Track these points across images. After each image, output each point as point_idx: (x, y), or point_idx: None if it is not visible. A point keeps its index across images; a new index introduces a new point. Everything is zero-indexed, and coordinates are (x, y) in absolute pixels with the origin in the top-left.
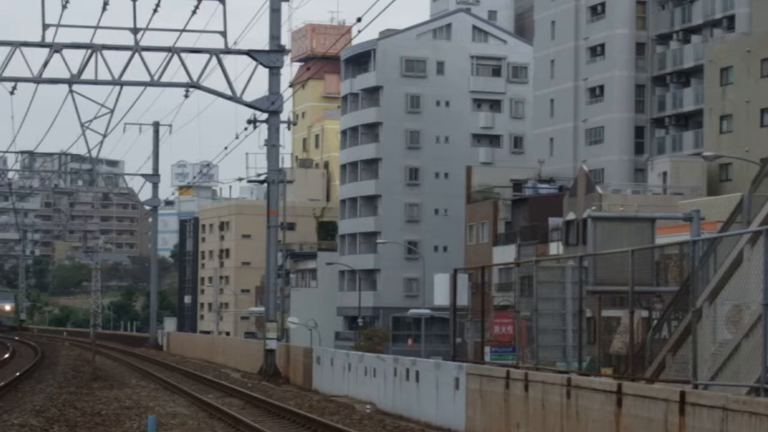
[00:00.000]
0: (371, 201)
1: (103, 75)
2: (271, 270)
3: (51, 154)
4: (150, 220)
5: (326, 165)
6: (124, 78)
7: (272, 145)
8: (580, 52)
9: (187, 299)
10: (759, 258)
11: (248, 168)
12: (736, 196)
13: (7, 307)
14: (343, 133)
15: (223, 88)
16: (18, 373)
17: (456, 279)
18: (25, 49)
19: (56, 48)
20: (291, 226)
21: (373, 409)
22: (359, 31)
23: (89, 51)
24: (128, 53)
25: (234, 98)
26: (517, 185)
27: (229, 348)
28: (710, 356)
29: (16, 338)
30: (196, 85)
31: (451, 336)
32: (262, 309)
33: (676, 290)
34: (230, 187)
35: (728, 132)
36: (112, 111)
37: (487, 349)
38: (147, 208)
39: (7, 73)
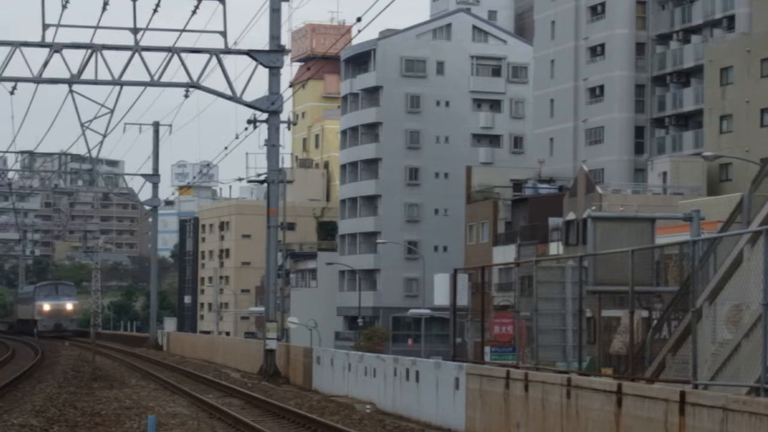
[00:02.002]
0: (371, 201)
1: (103, 75)
2: (271, 270)
3: (51, 154)
4: (150, 220)
5: (326, 165)
6: (124, 78)
7: (272, 145)
8: (580, 52)
9: (187, 299)
10: (759, 258)
11: (248, 168)
12: (736, 196)
13: (69, 306)
14: (343, 133)
15: (223, 88)
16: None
17: (456, 279)
18: (25, 49)
19: (56, 48)
20: (291, 226)
21: (373, 409)
22: (359, 31)
23: (89, 51)
24: (128, 53)
25: (234, 98)
26: (517, 185)
27: (229, 348)
28: (710, 356)
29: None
30: (196, 85)
31: (451, 336)
32: (262, 309)
33: (676, 290)
34: (230, 187)
35: (728, 132)
36: (112, 111)
37: (487, 349)
38: (147, 208)
39: (7, 73)
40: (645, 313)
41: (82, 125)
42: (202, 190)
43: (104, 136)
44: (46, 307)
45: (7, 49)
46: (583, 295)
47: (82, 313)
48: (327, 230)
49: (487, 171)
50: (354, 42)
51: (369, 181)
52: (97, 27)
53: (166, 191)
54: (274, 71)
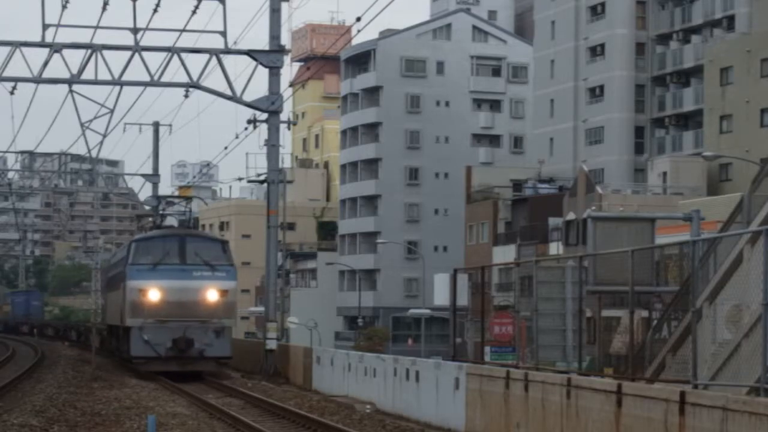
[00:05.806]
0: (371, 201)
1: (103, 75)
2: (271, 270)
3: (51, 154)
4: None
5: (326, 165)
6: (124, 78)
7: (272, 145)
8: (580, 52)
9: None
10: (759, 258)
11: (248, 168)
12: (736, 196)
13: (212, 294)
14: (343, 133)
15: (223, 88)
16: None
17: (456, 279)
18: (25, 49)
19: (56, 48)
20: (291, 226)
21: (373, 409)
22: (359, 31)
23: (89, 51)
24: (128, 53)
25: (234, 98)
26: (517, 185)
27: None
28: (710, 356)
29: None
30: (196, 85)
31: (451, 336)
32: (262, 309)
33: (676, 290)
34: (230, 187)
35: (728, 132)
36: (112, 111)
37: (487, 349)
38: (147, 208)
39: (7, 73)
40: (645, 313)
41: (82, 125)
42: (202, 190)
43: (104, 136)
44: (154, 294)
45: (7, 49)
46: (583, 295)
47: (81, 312)
48: (327, 230)
49: (487, 171)
50: (354, 42)
51: (369, 181)
52: (97, 27)
53: (166, 191)
54: (274, 71)
